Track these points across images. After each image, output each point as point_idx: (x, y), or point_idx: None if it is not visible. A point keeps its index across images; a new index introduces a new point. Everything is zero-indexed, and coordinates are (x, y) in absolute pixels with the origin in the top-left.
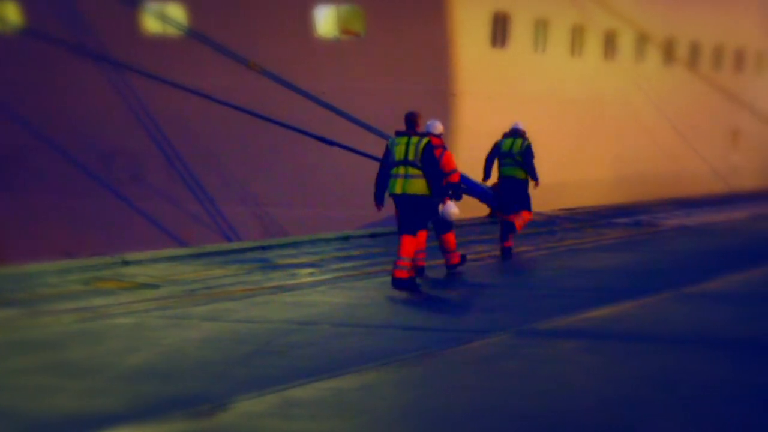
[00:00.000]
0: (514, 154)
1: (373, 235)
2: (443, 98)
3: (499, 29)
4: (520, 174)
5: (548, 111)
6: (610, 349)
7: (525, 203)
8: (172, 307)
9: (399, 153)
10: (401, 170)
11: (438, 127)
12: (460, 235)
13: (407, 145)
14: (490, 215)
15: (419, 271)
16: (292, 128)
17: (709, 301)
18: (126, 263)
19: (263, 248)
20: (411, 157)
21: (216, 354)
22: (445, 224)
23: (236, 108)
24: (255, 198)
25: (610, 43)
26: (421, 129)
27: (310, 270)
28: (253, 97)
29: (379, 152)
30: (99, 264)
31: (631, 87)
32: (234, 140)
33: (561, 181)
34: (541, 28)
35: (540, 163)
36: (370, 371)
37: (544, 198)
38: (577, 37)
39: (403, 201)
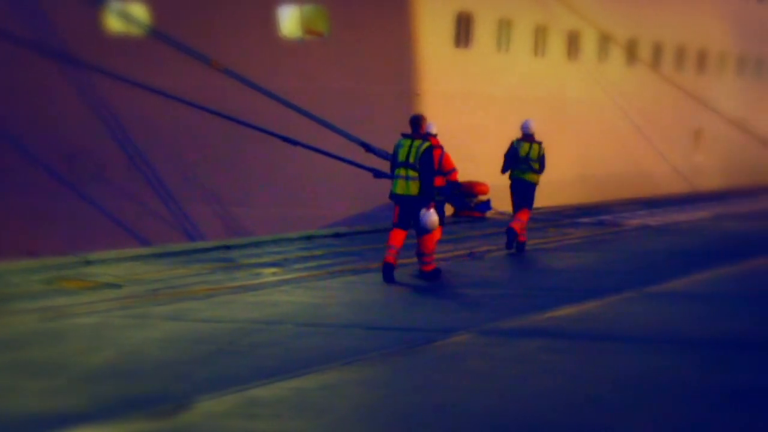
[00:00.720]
0: (530, 160)
1: (336, 235)
2: (407, 98)
3: (463, 29)
4: (532, 178)
5: (511, 111)
6: (574, 348)
7: (529, 203)
8: (135, 306)
9: (402, 155)
10: (402, 172)
11: (435, 128)
12: None
13: (410, 147)
14: (454, 215)
15: (426, 273)
16: (255, 128)
17: (672, 300)
18: (88, 263)
19: (226, 248)
20: (412, 159)
21: (178, 354)
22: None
23: (199, 107)
24: (218, 197)
25: (573, 43)
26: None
27: (273, 269)
28: (216, 96)
29: (342, 152)
30: (61, 263)
31: (594, 87)
32: (197, 139)
33: None
34: (504, 28)
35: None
36: (333, 371)
37: (507, 198)
38: (540, 37)
39: (404, 201)
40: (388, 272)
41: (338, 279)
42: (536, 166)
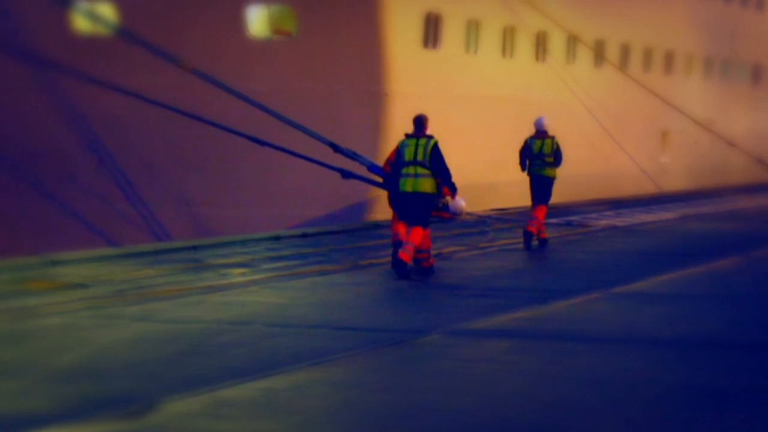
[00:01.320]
0: (543, 156)
1: (304, 235)
2: (375, 98)
3: (431, 30)
4: (548, 172)
5: (480, 111)
6: (540, 348)
7: (546, 198)
8: (103, 307)
9: (409, 154)
10: (411, 170)
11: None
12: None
13: (416, 146)
14: None
15: (424, 269)
16: (223, 128)
17: (638, 301)
18: (56, 263)
19: (194, 248)
20: (420, 157)
21: (146, 354)
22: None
23: (167, 107)
24: (186, 198)
25: (541, 45)
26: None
27: (241, 270)
28: (184, 96)
29: (310, 152)
30: (29, 264)
31: (562, 88)
32: (165, 140)
33: (493, 182)
34: (472, 29)
35: (472, 164)
36: (301, 371)
37: (475, 198)
38: (508, 38)
39: (413, 198)
40: (401, 269)
41: (306, 279)
42: (550, 160)
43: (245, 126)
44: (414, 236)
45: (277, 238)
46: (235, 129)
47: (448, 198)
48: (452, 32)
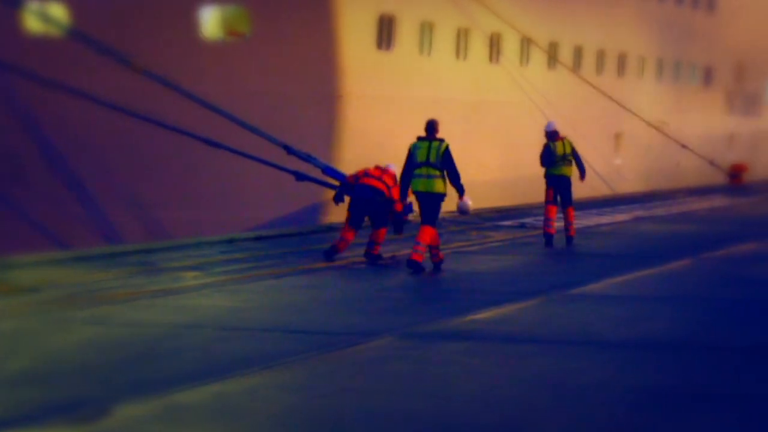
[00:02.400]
0: (567, 156)
1: (258, 238)
2: (329, 100)
3: (385, 31)
4: (568, 172)
5: (434, 113)
6: (495, 350)
7: (571, 199)
8: (54, 311)
9: (421, 155)
10: (424, 171)
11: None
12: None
13: (429, 148)
14: None
15: (437, 264)
16: (176, 130)
17: (592, 303)
18: (6, 267)
19: (147, 251)
20: (432, 159)
21: (98, 358)
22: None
23: (119, 109)
24: (139, 200)
25: (494, 46)
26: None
27: (194, 273)
28: (136, 98)
29: (264, 154)
30: None
31: (516, 90)
32: (117, 142)
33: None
34: (426, 30)
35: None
36: (254, 375)
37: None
38: (462, 39)
39: (425, 197)
40: (416, 268)
41: (260, 282)
42: (571, 158)
43: (198, 128)
44: (424, 235)
45: (230, 241)
46: (188, 131)
47: (466, 200)
48: (406, 34)
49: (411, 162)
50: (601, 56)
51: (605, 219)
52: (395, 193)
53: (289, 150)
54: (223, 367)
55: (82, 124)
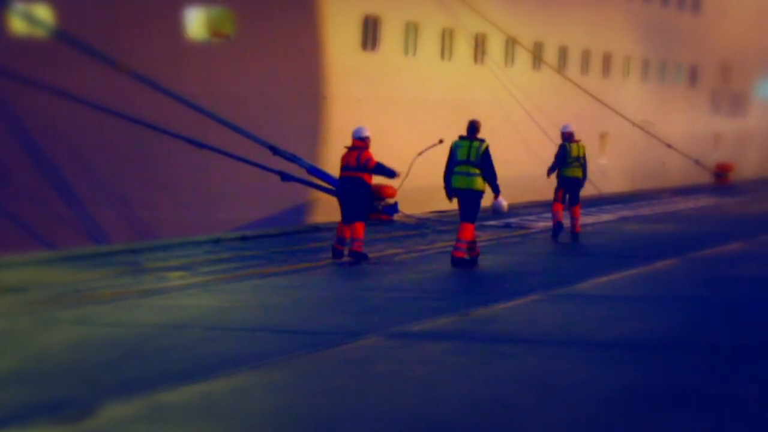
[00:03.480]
0: (579, 158)
1: (243, 238)
2: (313, 101)
3: (370, 32)
4: (579, 174)
5: (419, 114)
6: (480, 350)
7: (578, 197)
8: (40, 311)
9: (462, 154)
10: (464, 169)
11: (367, 132)
12: (332, 238)
13: (469, 147)
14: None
15: (474, 259)
16: (162, 130)
17: (577, 302)
18: None
19: (133, 251)
20: (473, 158)
21: (84, 358)
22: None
23: (104, 110)
24: (125, 201)
25: (479, 47)
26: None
27: (180, 273)
28: (122, 98)
29: (249, 155)
30: None
31: (501, 90)
32: (103, 142)
33: (432, 184)
34: (411, 31)
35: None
36: (240, 375)
37: (415, 201)
38: (447, 40)
39: (465, 194)
40: (461, 264)
41: (245, 282)
42: (583, 161)
43: (184, 128)
44: (465, 233)
45: (216, 241)
46: (173, 131)
47: (501, 200)
48: (391, 34)
49: (452, 160)
50: (586, 56)
51: (590, 219)
52: (364, 157)
53: (274, 150)
54: (209, 367)
55: (67, 124)
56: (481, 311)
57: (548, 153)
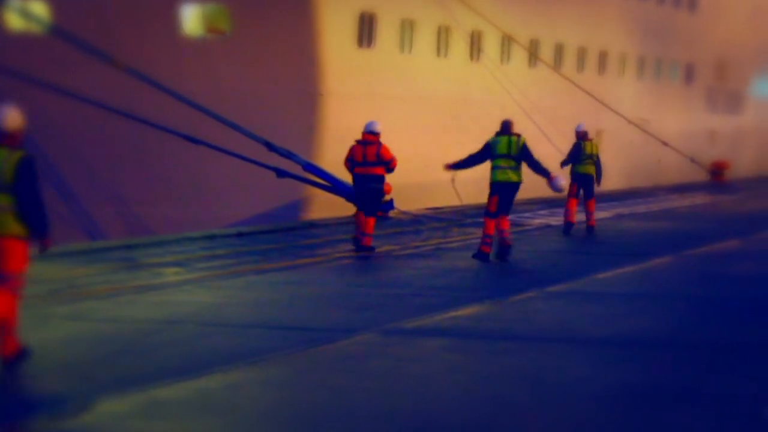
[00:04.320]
0: (593, 156)
1: (239, 234)
2: (309, 97)
3: (366, 29)
4: (592, 171)
5: (414, 111)
6: (475, 347)
7: (593, 192)
8: (36, 306)
9: (501, 148)
10: (503, 162)
11: (379, 126)
12: (327, 234)
13: (508, 142)
14: (356, 214)
15: (507, 248)
16: (158, 126)
17: (573, 300)
18: None
19: (128, 247)
20: (513, 152)
21: (80, 354)
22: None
23: (100, 106)
24: (120, 197)
25: (475, 44)
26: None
27: (175, 269)
28: (118, 95)
29: (245, 151)
30: None
31: (497, 87)
32: (99, 138)
33: (427, 181)
34: (407, 28)
35: (407, 162)
36: (235, 371)
37: (410, 197)
38: (442, 37)
39: (507, 187)
40: (485, 259)
41: (241, 278)
42: (596, 158)
43: (180, 124)
44: (506, 223)
45: (211, 237)
46: (169, 127)
47: (558, 178)
48: (387, 31)
49: (487, 152)
50: (582, 54)
51: (585, 216)
52: (384, 154)
53: (270, 147)
54: (204, 363)
55: (63, 120)
56: (476, 308)
57: (544, 150)
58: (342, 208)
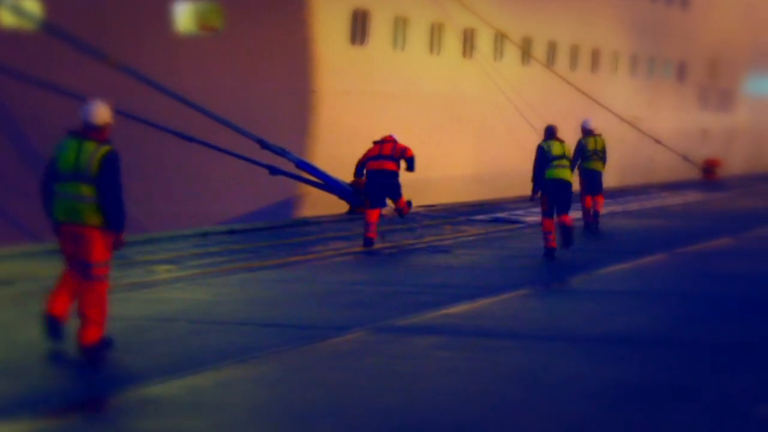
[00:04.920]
0: (599, 152)
1: (231, 232)
2: (302, 95)
3: (359, 26)
4: (600, 167)
5: (407, 108)
6: (467, 345)
7: (601, 189)
8: (28, 304)
9: (557, 151)
10: (562, 162)
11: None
12: (320, 232)
13: (562, 146)
14: (349, 212)
15: (569, 230)
16: (151, 124)
17: (566, 297)
18: None
19: None
20: (567, 153)
21: (71, 351)
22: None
23: None
24: None
25: (468, 42)
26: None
27: (168, 267)
28: (111, 92)
29: (238, 148)
30: None
31: (490, 85)
32: None
33: (420, 178)
34: (400, 25)
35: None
36: (227, 368)
37: (403, 195)
38: (436, 34)
39: (563, 185)
40: (552, 255)
41: (233, 276)
42: (602, 154)
43: (172, 122)
44: (567, 218)
45: (204, 235)
46: (162, 125)
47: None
48: (380, 29)
49: (545, 156)
50: (574, 52)
51: (578, 214)
52: (399, 147)
53: (263, 144)
54: (196, 361)
55: (55, 117)
56: (469, 306)
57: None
58: (335, 205)
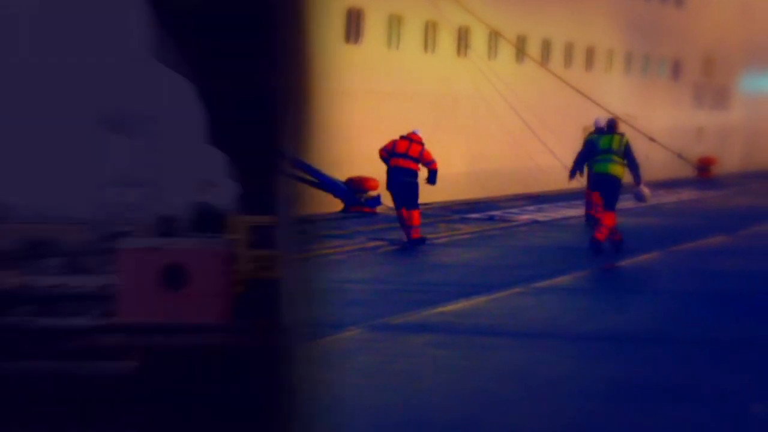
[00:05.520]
0: (612, 152)
1: None
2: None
3: (353, 25)
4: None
5: (402, 107)
6: (462, 343)
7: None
8: None
9: (604, 144)
10: (607, 156)
11: (420, 132)
12: (313, 230)
13: (611, 139)
14: (344, 210)
15: (617, 243)
16: None
17: (560, 295)
18: None
19: None
20: (615, 147)
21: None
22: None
23: None
24: None
25: (462, 40)
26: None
27: None
28: None
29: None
30: None
31: (484, 83)
32: None
33: None
34: (394, 24)
35: None
36: None
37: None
38: (430, 33)
39: (607, 179)
40: (598, 246)
41: None
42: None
43: None
44: (608, 219)
45: None
46: None
47: (643, 188)
48: (374, 27)
49: (590, 149)
50: (569, 50)
51: (573, 212)
52: (427, 156)
53: None
54: None
55: None
56: (463, 304)
57: (531, 146)
58: (329, 204)
